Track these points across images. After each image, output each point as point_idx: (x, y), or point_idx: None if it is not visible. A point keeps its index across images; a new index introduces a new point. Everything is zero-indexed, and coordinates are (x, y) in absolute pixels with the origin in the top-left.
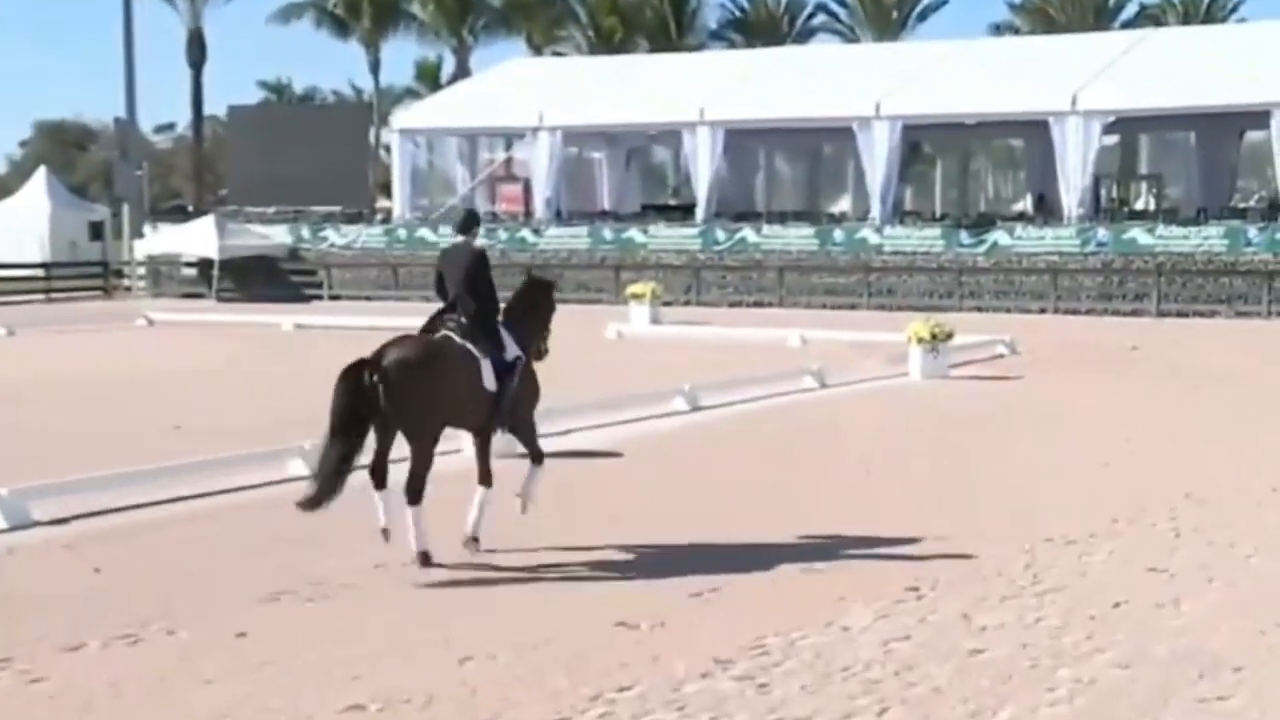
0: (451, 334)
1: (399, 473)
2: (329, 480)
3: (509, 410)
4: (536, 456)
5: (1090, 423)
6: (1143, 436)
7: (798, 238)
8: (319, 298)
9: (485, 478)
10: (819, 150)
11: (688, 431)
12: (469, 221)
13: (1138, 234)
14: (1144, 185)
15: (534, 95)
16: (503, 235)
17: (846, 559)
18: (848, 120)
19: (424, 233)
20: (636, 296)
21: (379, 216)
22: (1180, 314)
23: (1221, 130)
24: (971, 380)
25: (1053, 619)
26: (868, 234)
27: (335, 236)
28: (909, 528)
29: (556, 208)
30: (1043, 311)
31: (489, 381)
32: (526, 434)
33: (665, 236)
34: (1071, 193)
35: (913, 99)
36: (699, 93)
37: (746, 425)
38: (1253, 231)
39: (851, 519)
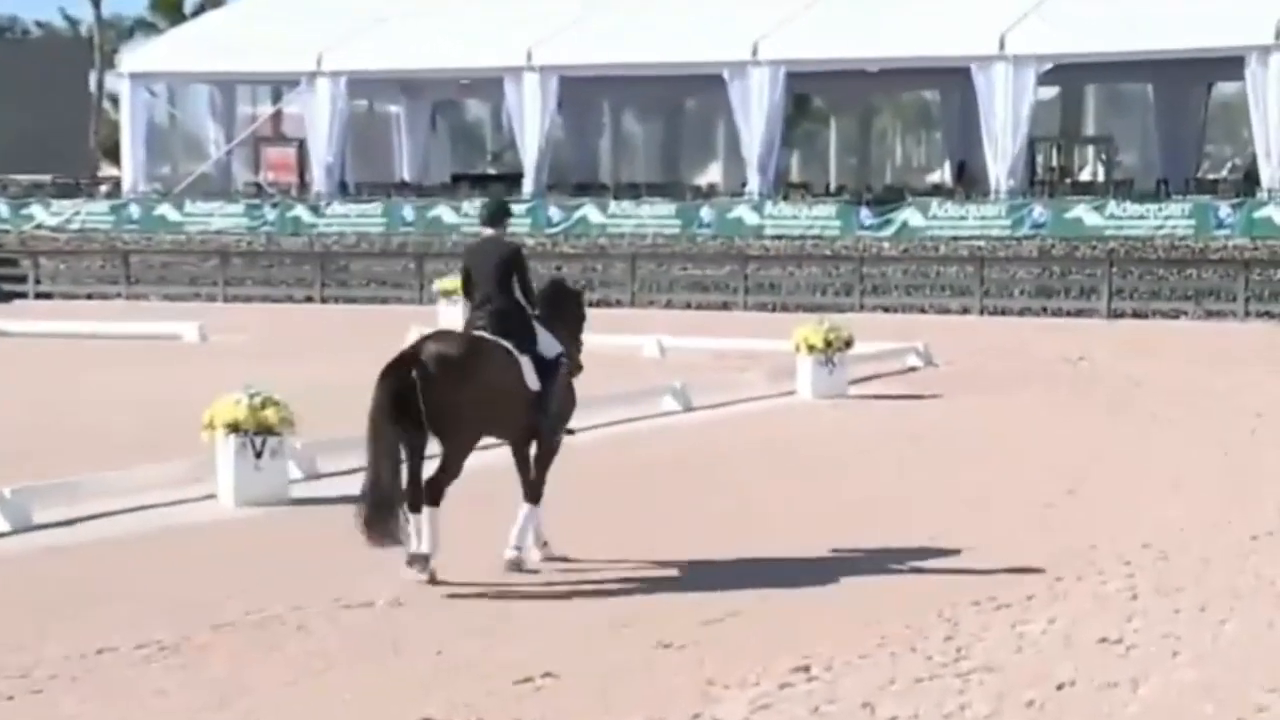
0: (484, 333)
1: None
2: (385, 497)
3: (555, 415)
4: (536, 493)
5: (1025, 456)
6: (1090, 472)
7: (654, 218)
8: (21, 295)
9: (534, 493)
10: (680, 105)
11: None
12: (500, 212)
13: (1083, 213)
14: (1091, 151)
15: (309, 31)
16: (269, 214)
17: (716, 631)
18: (716, 66)
19: (165, 210)
20: (447, 294)
21: (103, 189)
22: (1137, 314)
23: (1185, 82)
24: (876, 401)
25: (980, 706)
26: (744, 213)
27: (44, 215)
28: (797, 592)
29: (340, 178)
30: (965, 311)
31: (531, 380)
32: (545, 458)
33: None
34: (1000, 160)
35: (799, 39)
36: (525, 30)
37: (585, 459)
38: (1225, 209)
39: (725, 578)
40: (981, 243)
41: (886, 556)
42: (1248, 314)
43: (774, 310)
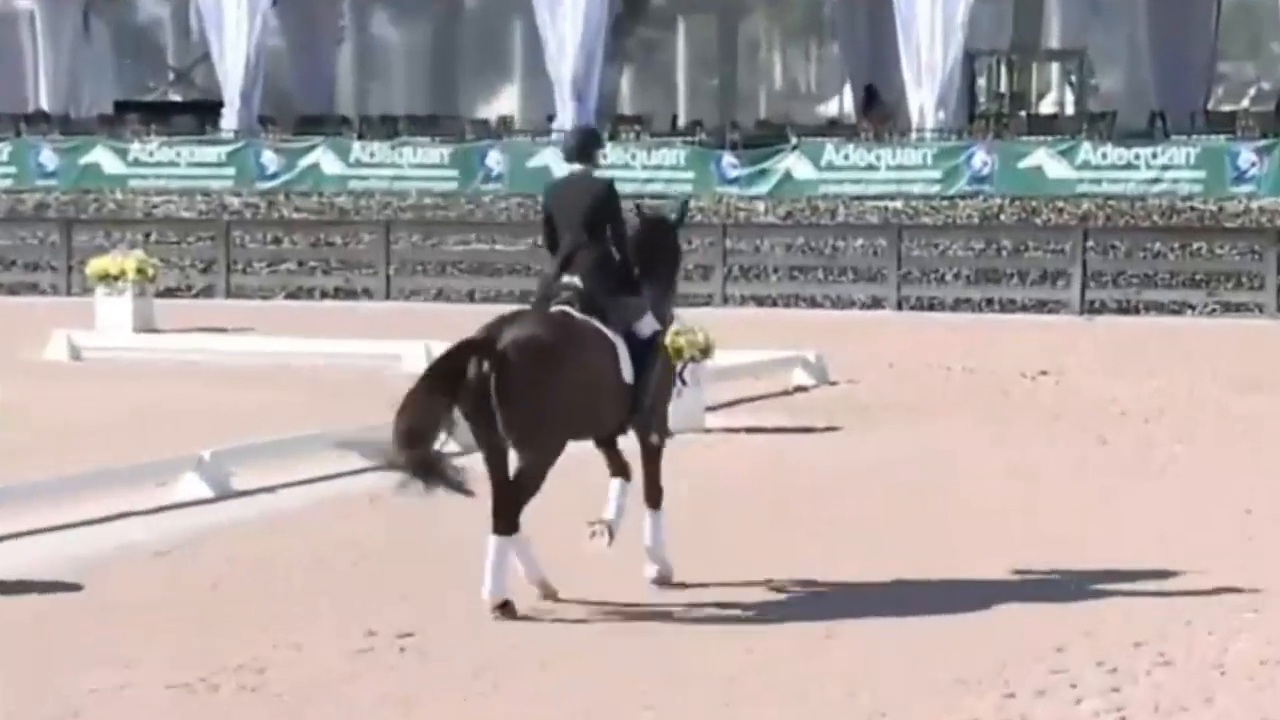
0: (569, 309)
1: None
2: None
3: (649, 408)
4: (656, 495)
5: (958, 522)
6: (1051, 551)
7: (419, 168)
8: None
9: (623, 467)
10: (456, 1)
11: (205, 540)
12: (588, 142)
13: (1045, 160)
14: (1055, 71)
15: None
16: None
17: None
18: None
19: None
20: (108, 278)
21: None
22: (1123, 308)
23: None
24: (746, 436)
25: None
26: (549, 160)
27: None
28: None
29: None
30: (877, 304)
31: (626, 371)
32: (652, 458)
33: (164, 165)
34: (925, 84)
35: None
36: None
37: (311, 528)
38: (1247, 155)
39: None
40: (898, 204)
41: (771, 678)
42: None
43: None
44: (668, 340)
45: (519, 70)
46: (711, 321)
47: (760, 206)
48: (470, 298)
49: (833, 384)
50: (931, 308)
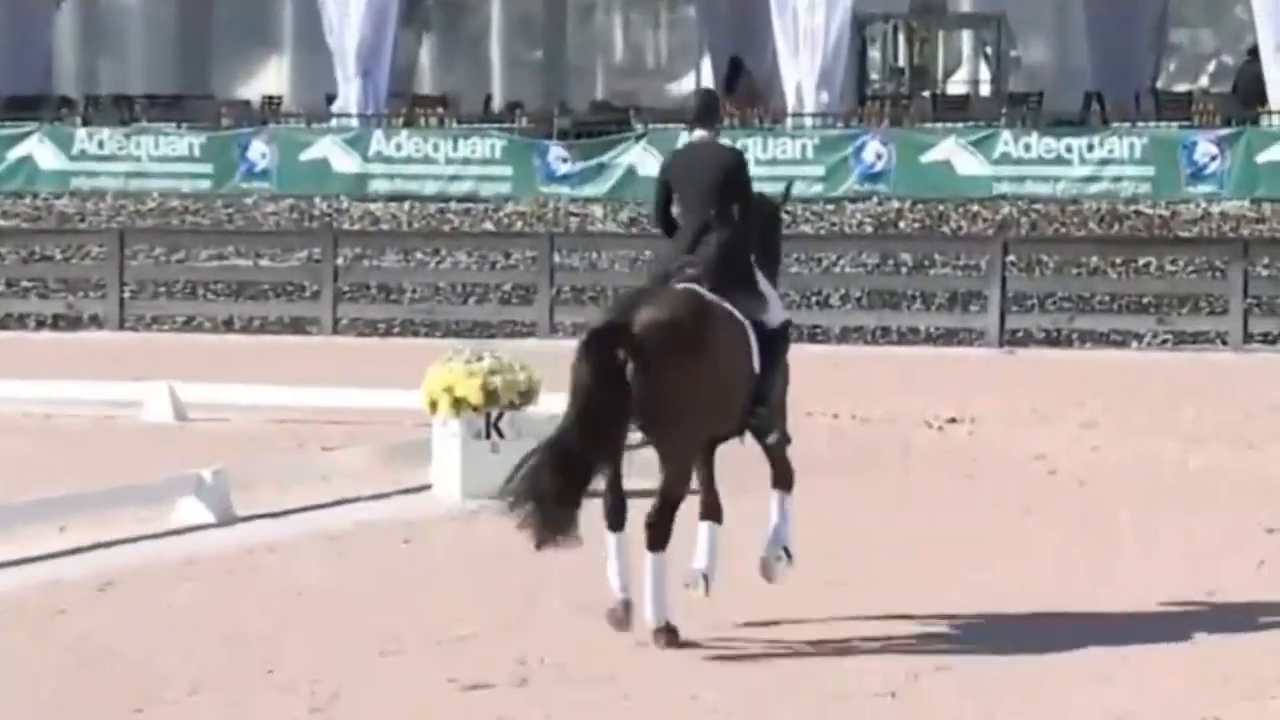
0: (697, 288)
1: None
2: (564, 495)
3: (775, 406)
4: (787, 477)
5: (839, 608)
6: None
7: (162, 161)
8: None
9: (715, 509)
10: None
11: None
12: (713, 105)
13: (954, 153)
14: (967, 42)
15: None
16: None
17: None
18: None
19: None
20: None
21: None
22: (1051, 338)
23: None
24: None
25: None
26: (329, 151)
27: None
28: None
29: None
30: None
31: (756, 360)
32: (778, 454)
33: None
34: (804, 57)
35: None
36: None
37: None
38: (1205, 147)
39: None
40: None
41: None
42: (1249, 338)
43: (388, 333)
44: (477, 383)
45: (289, 40)
46: (536, 356)
47: (596, 211)
48: (227, 327)
49: None
50: (814, 339)
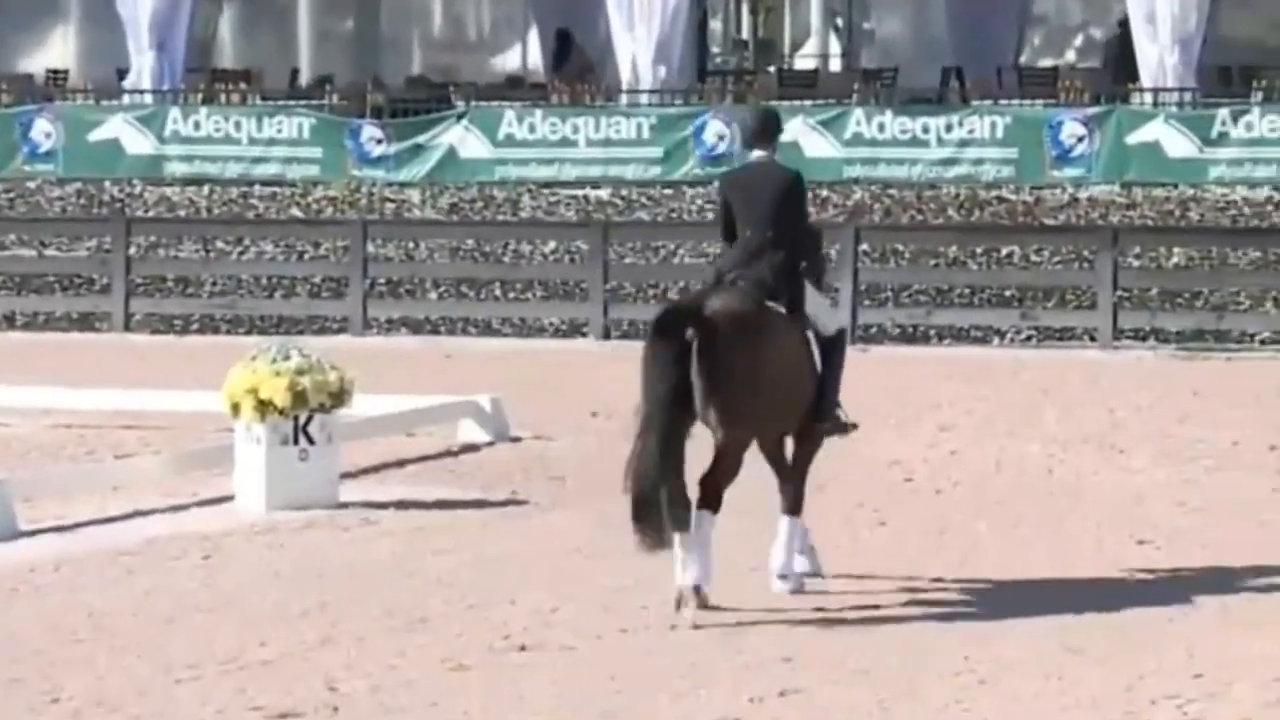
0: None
1: None
2: (657, 488)
3: (832, 405)
4: (798, 502)
5: (677, 639)
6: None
7: None
8: None
9: (796, 503)
10: None
11: None
12: (770, 127)
13: (803, 134)
14: (815, 12)
15: None
16: None
17: None
18: None
19: None
20: None
21: None
22: (907, 334)
23: None
24: (395, 514)
25: None
26: (122, 132)
27: None
28: None
29: None
30: (578, 331)
31: (817, 360)
32: (808, 459)
33: None
34: (639, 29)
35: None
36: None
37: None
38: (1072, 127)
39: None
40: (604, 193)
41: None
42: (1119, 334)
43: (186, 330)
44: (283, 384)
45: (75, 8)
46: (347, 355)
47: (414, 196)
48: (9, 323)
49: (515, 440)
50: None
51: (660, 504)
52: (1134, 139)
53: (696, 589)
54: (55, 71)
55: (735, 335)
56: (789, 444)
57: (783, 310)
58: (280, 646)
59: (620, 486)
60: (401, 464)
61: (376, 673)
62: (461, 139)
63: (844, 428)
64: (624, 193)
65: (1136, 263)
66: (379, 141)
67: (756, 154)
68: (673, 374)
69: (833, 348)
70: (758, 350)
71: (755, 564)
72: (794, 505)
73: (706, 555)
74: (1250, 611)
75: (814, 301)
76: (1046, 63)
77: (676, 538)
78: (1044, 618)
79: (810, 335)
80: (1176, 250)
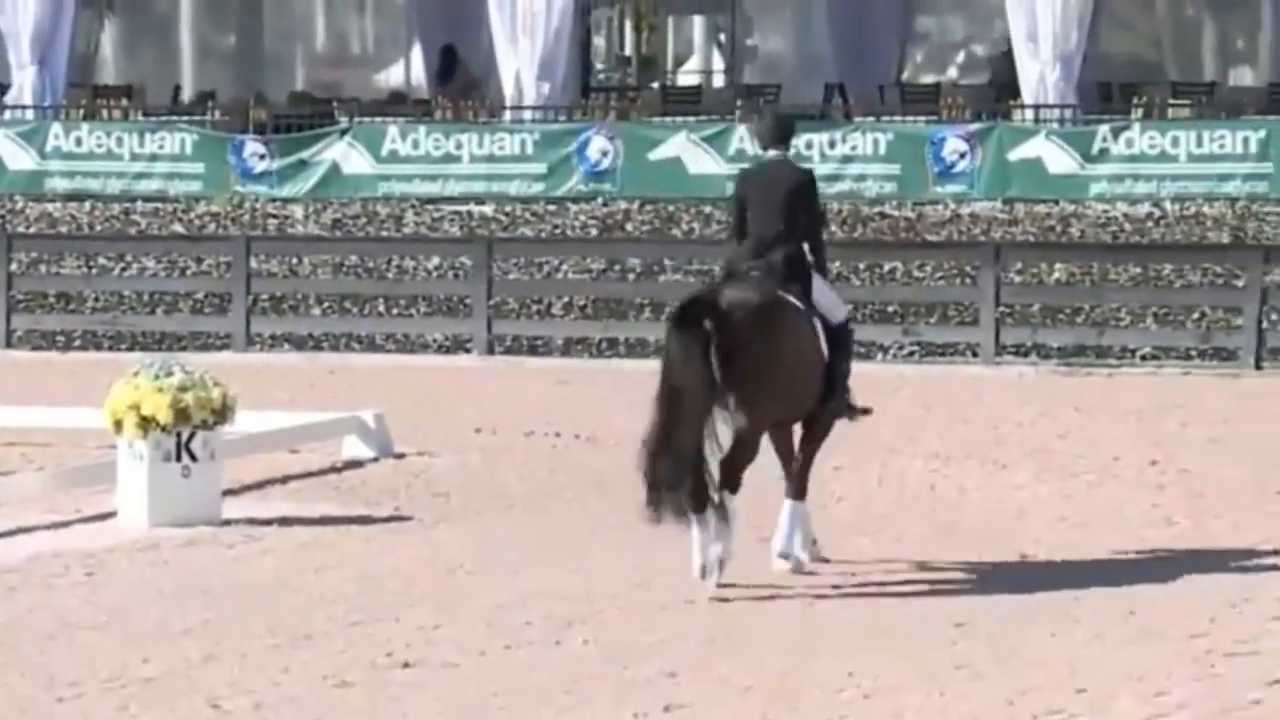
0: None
1: None
2: (680, 473)
3: (843, 393)
4: (803, 487)
5: (581, 669)
6: None
7: None
8: None
9: (801, 488)
10: None
11: None
12: (785, 129)
13: (687, 150)
14: (698, 28)
15: None
16: None
17: None
18: None
19: None
20: None
21: None
22: None
23: None
24: (278, 531)
25: None
26: (1, 144)
27: None
28: None
29: None
30: (461, 347)
31: (825, 348)
32: (817, 445)
33: None
34: (523, 45)
35: None
36: None
37: None
38: (954, 144)
39: None
40: (488, 209)
41: None
42: (1001, 350)
43: (68, 346)
44: (166, 401)
45: None
46: (230, 371)
47: (297, 212)
48: None
49: (399, 457)
50: (535, 351)
51: (680, 486)
52: (1015, 155)
53: (721, 562)
54: None
55: (752, 324)
56: (797, 431)
57: (794, 300)
58: (163, 664)
59: (637, 463)
60: (285, 480)
61: (259, 690)
62: (345, 155)
63: (854, 411)
64: (508, 208)
65: (1018, 279)
66: (262, 157)
67: (772, 154)
68: (694, 364)
69: (841, 335)
70: (774, 338)
71: (638, 580)
72: (799, 490)
73: (728, 532)
74: (1132, 626)
75: (821, 290)
76: (929, 79)
77: (695, 517)
78: (927, 633)
79: (818, 322)
80: (1058, 266)
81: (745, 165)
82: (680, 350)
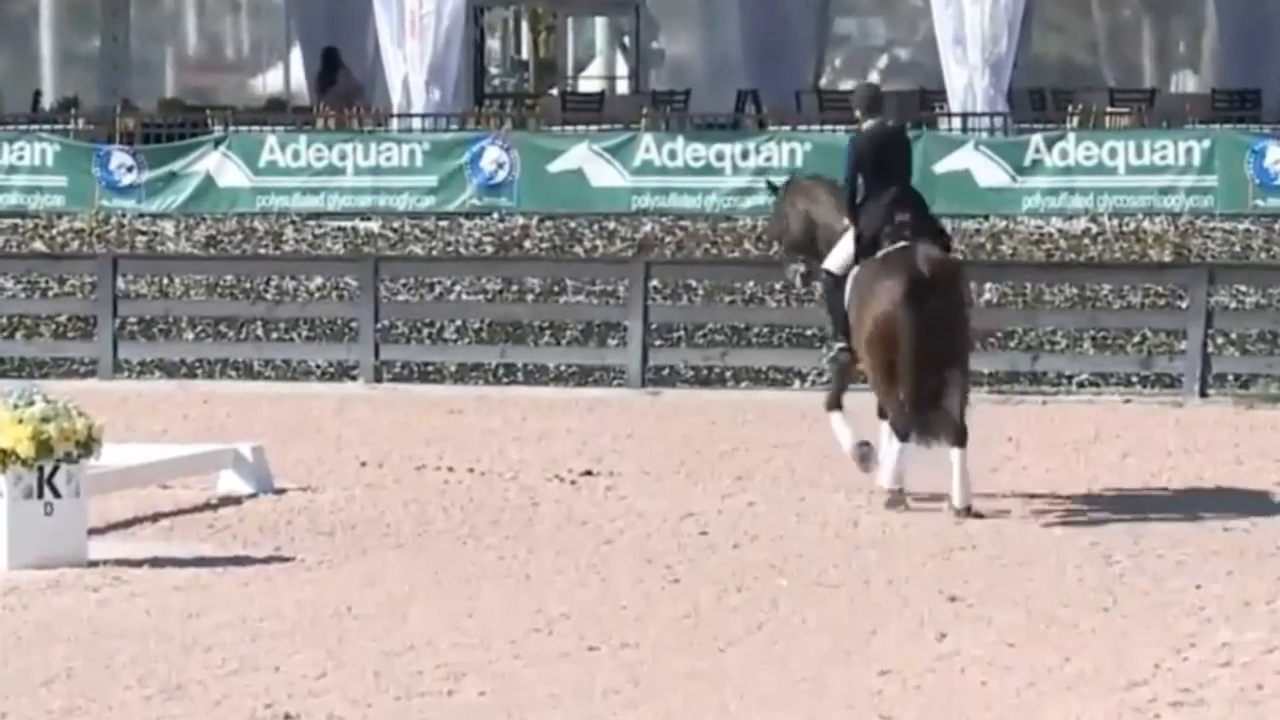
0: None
1: None
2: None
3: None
4: (964, 433)
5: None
6: None
7: None
8: None
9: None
10: None
11: None
12: (879, 98)
13: (589, 161)
14: (600, 30)
15: None
16: None
17: None
18: None
19: None
20: None
21: None
22: (701, 377)
23: None
24: (149, 573)
25: None
26: None
27: None
28: None
29: None
30: (345, 373)
31: None
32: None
33: None
34: (411, 47)
35: None
36: None
37: None
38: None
39: None
40: (374, 225)
41: None
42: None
43: None
44: (26, 433)
45: None
46: (96, 400)
47: (168, 228)
48: None
49: (279, 492)
50: (425, 378)
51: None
52: (942, 167)
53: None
54: None
55: (948, 281)
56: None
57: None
58: (21, 717)
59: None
60: (155, 518)
61: None
62: (219, 166)
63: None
64: (395, 224)
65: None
66: (129, 169)
67: (872, 120)
68: (923, 323)
69: None
70: (965, 290)
71: (537, 625)
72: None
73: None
74: (1065, 671)
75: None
76: (848, 85)
77: (916, 442)
78: (847, 680)
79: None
80: (988, 287)
81: (854, 133)
82: (913, 311)
